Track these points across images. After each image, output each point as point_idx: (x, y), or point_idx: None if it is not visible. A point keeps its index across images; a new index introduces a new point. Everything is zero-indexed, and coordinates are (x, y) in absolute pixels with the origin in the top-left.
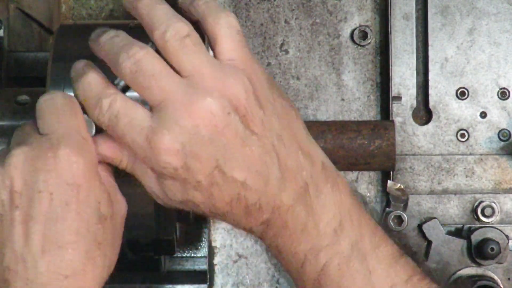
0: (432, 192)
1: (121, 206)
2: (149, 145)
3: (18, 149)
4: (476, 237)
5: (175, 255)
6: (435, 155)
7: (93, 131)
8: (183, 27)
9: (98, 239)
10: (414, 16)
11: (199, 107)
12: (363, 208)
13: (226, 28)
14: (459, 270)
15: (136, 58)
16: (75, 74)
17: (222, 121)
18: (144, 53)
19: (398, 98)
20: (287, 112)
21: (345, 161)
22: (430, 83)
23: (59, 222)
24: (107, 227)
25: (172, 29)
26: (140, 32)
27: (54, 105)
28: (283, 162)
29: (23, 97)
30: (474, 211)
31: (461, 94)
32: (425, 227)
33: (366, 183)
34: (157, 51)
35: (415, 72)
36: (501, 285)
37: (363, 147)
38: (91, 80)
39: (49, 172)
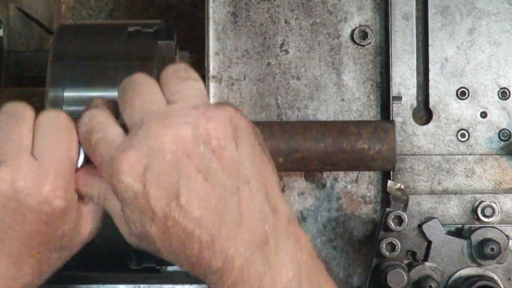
0: (432, 192)
1: (89, 234)
2: (113, 163)
3: (7, 171)
4: (476, 237)
5: None
6: (435, 155)
7: (81, 162)
8: (184, 65)
9: (51, 263)
10: (414, 16)
11: (171, 131)
12: (323, 269)
13: None
14: (459, 270)
15: (132, 77)
16: None
17: (190, 150)
18: (141, 75)
19: (398, 98)
20: (263, 163)
21: (345, 163)
22: (430, 83)
23: (21, 244)
24: (64, 255)
25: (173, 65)
26: (138, 37)
27: (56, 126)
28: (244, 207)
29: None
30: (474, 211)
31: (461, 94)
32: (425, 227)
33: (366, 183)
34: None
35: (415, 72)
36: (501, 285)
37: (363, 152)
38: (98, 99)
39: (29, 206)
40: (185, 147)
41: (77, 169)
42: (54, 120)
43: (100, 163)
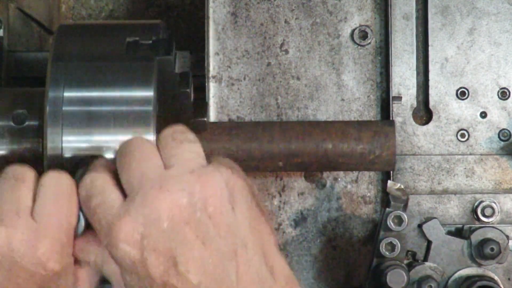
0: (432, 192)
1: None
2: (111, 230)
3: (3, 230)
4: (476, 237)
5: None
6: (435, 155)
7: (81, 228)
8: (181, 127)
9: None
10: (414, 16)
11: (167, 198)
12: None
13: None
14: (459, 270)
15: (130, 140)
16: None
17: (186, 217)
18: (139, 138)
19: (398, 98)
20: (261, 224)
21: (345, 167)
22: (430, 83)
23: None
24: None
25: (171, 127)
26: (136, 47)
27: (58, 190)
28: (242, 271)
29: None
30: (474, 211)
31: (461, 94)
32: (425, 227)
33: (366, 183)
34: None
35: (415, 72)
36: (501, 285)
37: (363, 156)
38: (99, 160)
39: (24, 267)
40: (181, 214)
41: (78, 235)
42: (56, 184)
43: (98, 229)
